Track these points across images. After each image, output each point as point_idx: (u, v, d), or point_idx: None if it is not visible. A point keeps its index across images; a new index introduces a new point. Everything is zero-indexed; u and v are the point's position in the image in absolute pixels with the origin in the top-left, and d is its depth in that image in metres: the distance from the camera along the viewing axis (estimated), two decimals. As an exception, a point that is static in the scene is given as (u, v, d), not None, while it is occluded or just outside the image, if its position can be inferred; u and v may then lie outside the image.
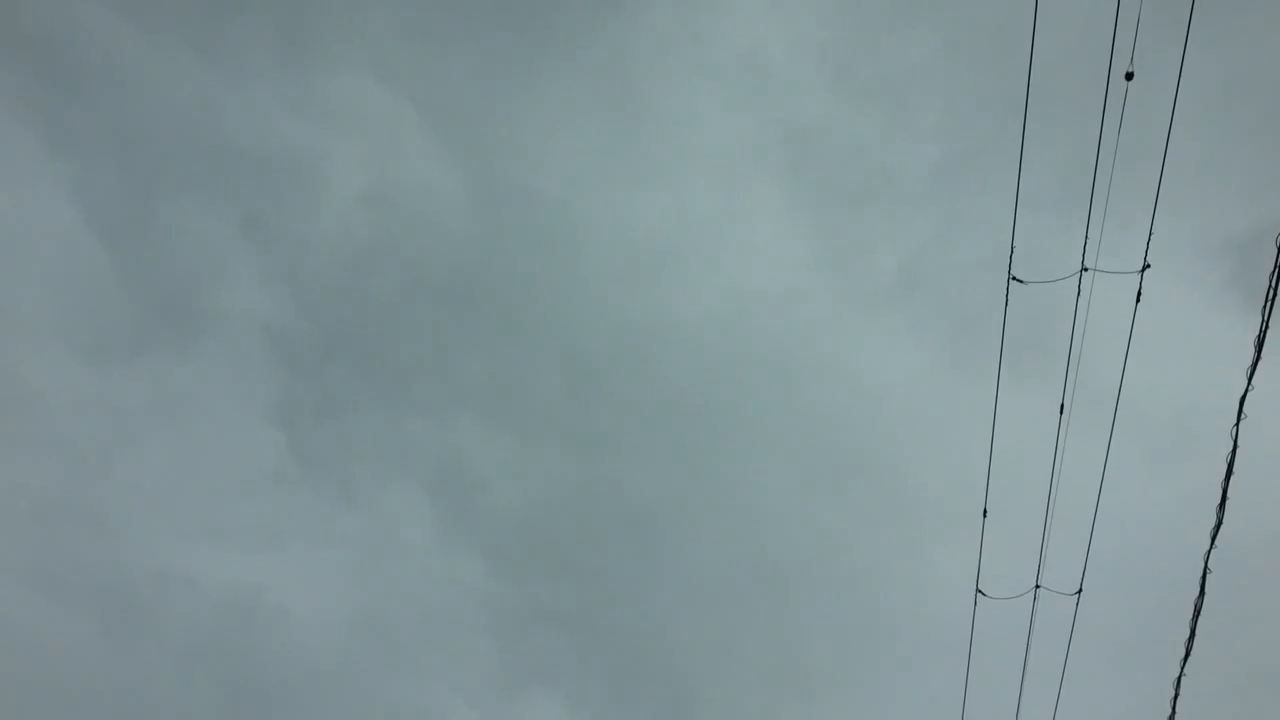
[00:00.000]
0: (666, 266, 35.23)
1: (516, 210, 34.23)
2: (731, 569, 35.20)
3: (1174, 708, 10.00)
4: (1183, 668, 9.90)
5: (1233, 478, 9.82)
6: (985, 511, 10.89)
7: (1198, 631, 10.10)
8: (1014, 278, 9.81)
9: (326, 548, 35.08)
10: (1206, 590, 10.08)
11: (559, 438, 36.28)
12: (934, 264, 32.34)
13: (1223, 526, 9.92)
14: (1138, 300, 9.61)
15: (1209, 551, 9.57)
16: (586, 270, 35.12)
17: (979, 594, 11.01)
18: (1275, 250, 8.97)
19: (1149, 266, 9.48)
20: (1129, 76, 9.01)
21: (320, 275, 34.35)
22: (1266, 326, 9.06)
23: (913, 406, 33.51)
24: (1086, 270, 9.70)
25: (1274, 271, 8.95)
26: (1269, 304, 9.01)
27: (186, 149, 32.63)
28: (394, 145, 33.89)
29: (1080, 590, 10.84)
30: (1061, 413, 10.26)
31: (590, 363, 35.59)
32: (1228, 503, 9.89)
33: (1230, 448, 9.45)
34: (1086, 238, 9.56)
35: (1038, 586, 10.86)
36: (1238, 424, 9.10)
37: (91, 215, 32.60)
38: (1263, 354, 9.32)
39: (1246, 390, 9.02)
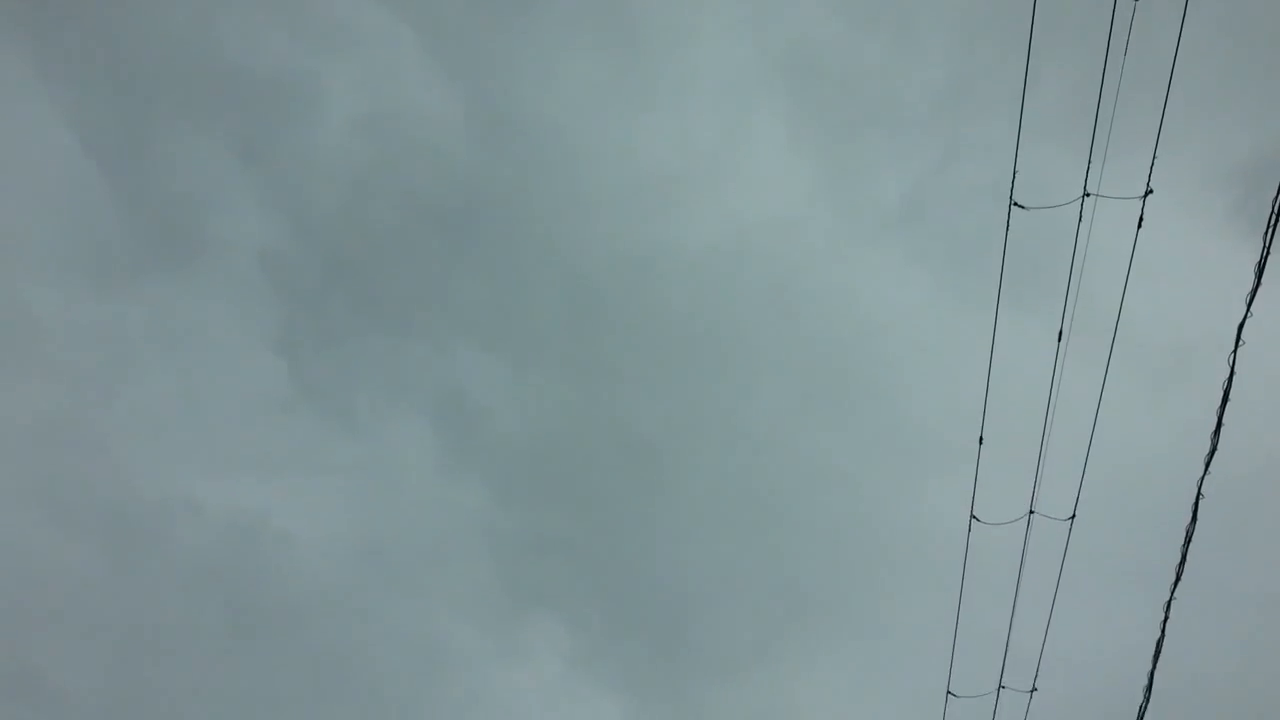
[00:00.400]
0: (667, 193, 34.99)
1: (516, 135, 33.90)
2: (730, 496, 35.52)
3: (1163, 630, 10.14)
4: (1173, 592, 10.02)
5: (1229, 405, 9.85)
6: (981, 439, 10.93)
7: (1189, 556, 10.20)
8: (1015, 203, 9.72)
9: (329, 474, 35.37)
10: (1199, 516, 10.17)
11: (560, 365, 36.37)
12: (936, 192, 32.11)
13: (1218, 453, 9.97)
14: (1139, 226, 9.54)
15: (1202, 477, 9.62)
16: (587, 197, 34.89)
17: (973, 519, 11.10)
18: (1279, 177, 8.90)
19: (1151, 192, 9.40)
20: (1136, -1, 8.85)
21: (318, 201, 34.14)
22: (1267, 253, 9.01)
23: (913, 335, 33.53)
24: (1088, 196, 9.61)
25: (1277, 197, 8.88)
26: (1270, 230, 8.95)
27: (183, 73, 32.22)
28: (391, 68, 33.45)
29: (1074, 516, 10.93)
30: (1060, 339, 10.25)
31: (591, 290, 35.53)
32: (1223, 429, 9.92)
33: (1227, 374, 9.45)
34: (1089, 163, 9.46)
35: (1031, 512, 10.94)
36: (1235, 350, 9.10)
37: (88, 140, 32.32)
38: (1263, 281, 9.29)
39: (1245, 317, 8.99)
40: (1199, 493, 9.76)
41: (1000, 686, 11.66)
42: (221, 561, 33.06)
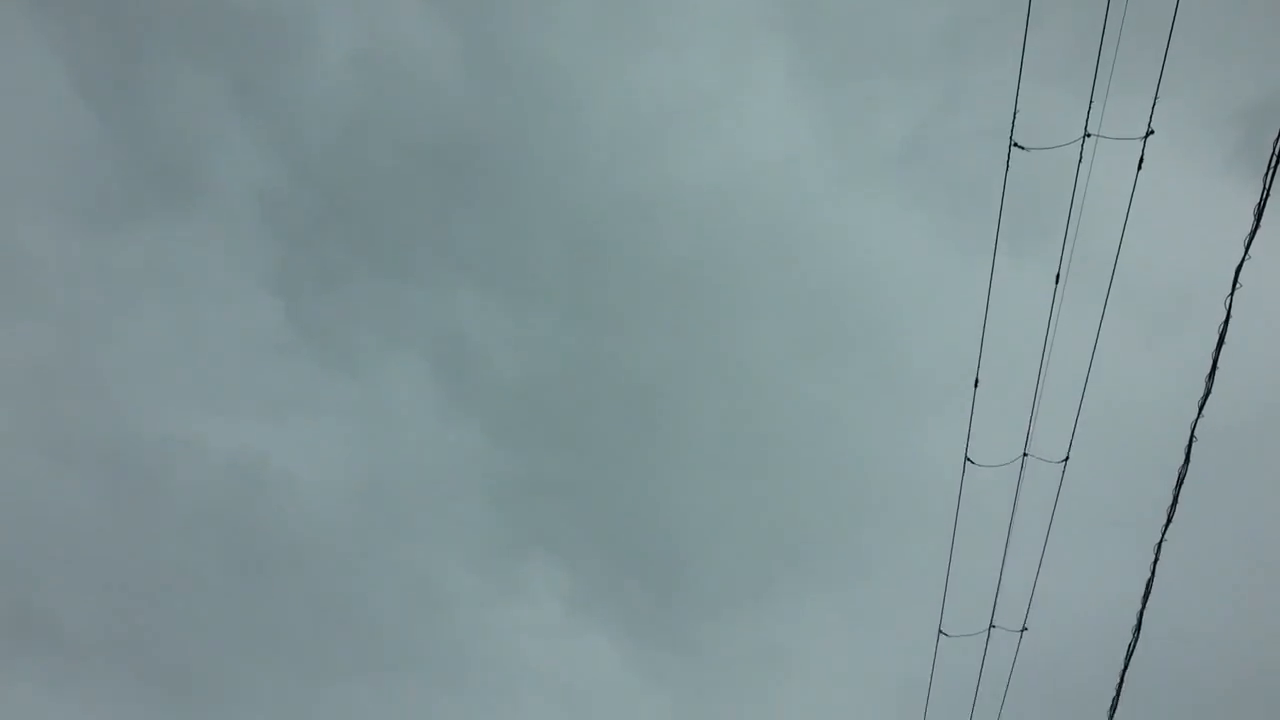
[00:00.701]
0: (666, 134, 34.69)
1: (514, 74, 33.52)
2: (727, 438, 35.67)
3: (1153, 571, 10.23)
4: (1164, 533, 10.08)
5: (1225, 348, 9.83)
6: (976, 381, 10.94)
7: (1181, 499, 10.25)
8: (1015, 144, 9.63)
9: (328, 416, 35.49)
10: (1192, 459, 10.20)
11: (558, 307, 36.32)
12: (938, 134, 31.82)
13: (1212, 396, 9.97)
14: (1139, 167, 9.45)
15: (1196, 420, 9.64)
16: (586, 137, 34.60)
17: (967, 461, 11.14)
18: (1282, 117, 8.80)
19: (1152, 133, 9.31)
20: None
21: (314, 141, 33.86)
22: (1267, 195, 8.94)
23: (912, 278, 33.45)
24: (1089, 136, 9.51)
25: (1278, 138, 8.79)
26: (1270, 172, 8.87)
27: (177, 11, 31.78)
28: (388, 6, 33.00)
29: (1067, 459, 10.97)
30: (1058, 282, 10.21)
31: (589, 231, 35.37)
32: (1219, 373, 9.91)
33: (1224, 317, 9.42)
34: (1090, 103, 9.35)
35: (1025, 455, 10.98)
36: (1232, 293, 9.06)
37: (82, 81, 31.96)
38: (1262, 224, 9.23)
39: (1243, 259, 8.94)
40: (1192, 435, 9.78)
41: (991, 626, 11.79)
42: (221, 501, 33.31)
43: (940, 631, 12.09)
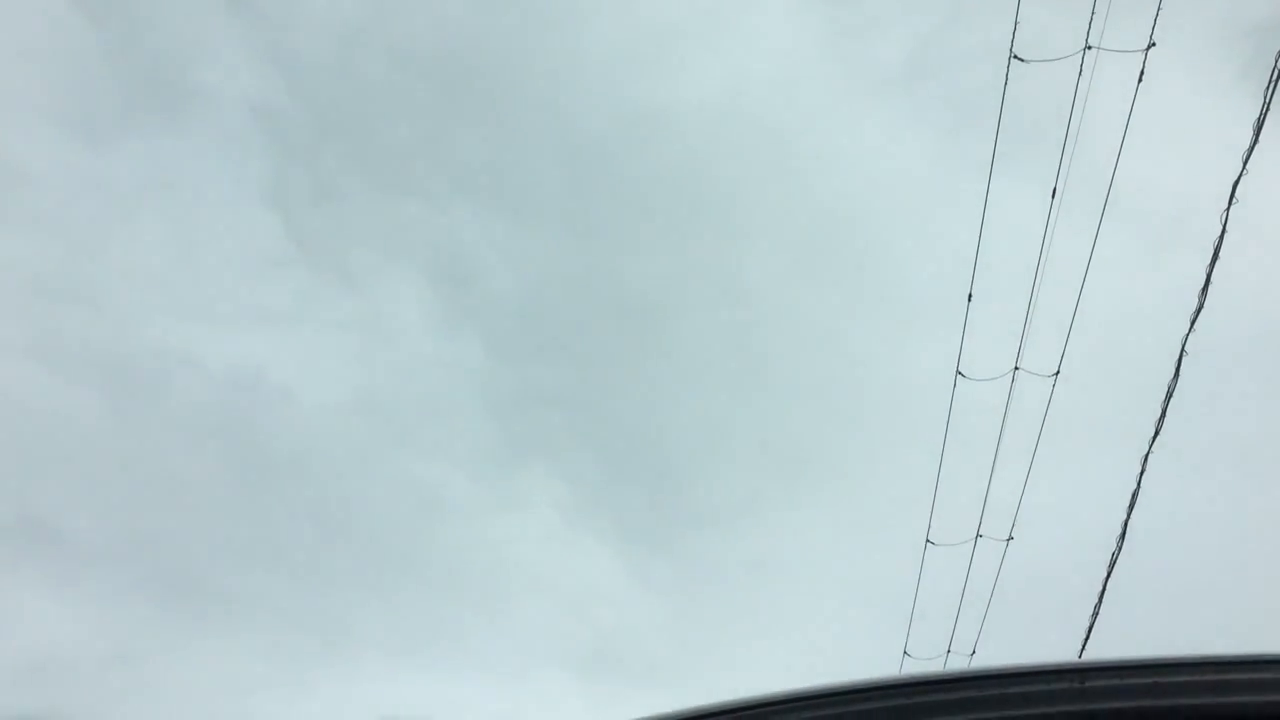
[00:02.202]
0: (668, 49, 34.20)
1: (511, -16, 32.91)
2: (722, 352, 35.86)
3: (1139, 483, 10.42)
4: (1151, 445, 10.25)
5: (1220, 263, 9.89)
6: (970, 295, 11.02)
7: (1169, 411, 10.39)
8: (1015, 56, 9.57)
9: (326, 329, 35.57)
10: (1182, 373, 10.32)
11: (555, 222, 36.19)
12: (941, 51, 31.36)
13: (1205, 311, 10.05)
14: (1139, 80, 9.41)
15: (1187, 334, 9.74)
16: (585, 51, 34.12)
17: (959, 375, 11.28)
18: (1285, 30, 8.73)
19: (1154, 45, 9.24)
20: None
21: (308, 53, 33.36)
22: (1267, 109, 8.92)
23: (910, 195, 33.30)
24: (1089, 49, 9.45)
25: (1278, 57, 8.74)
26: (1271, 88, 8.84)
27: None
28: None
29: (1058, 372, 11.10)
30: (1053, 196, 10.23)
31: (588, 146, 35.07)
32: (1212, 288, 9.99)
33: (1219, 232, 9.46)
34: (1092, 14, 9.27)
35: (1016, 368, 11.10)
36: (1228, 208, 9.09)
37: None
38: (1261, 139, 9.22)
39: (1240, 174, 8.95)
40: (1183, 349, 9.89)
41: (978, 535, 12.04)
42: (219, 412, 33.56)
43: (928, 540, 12.36)
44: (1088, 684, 2.12)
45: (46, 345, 31.82)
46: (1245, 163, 9.16)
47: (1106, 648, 11.97)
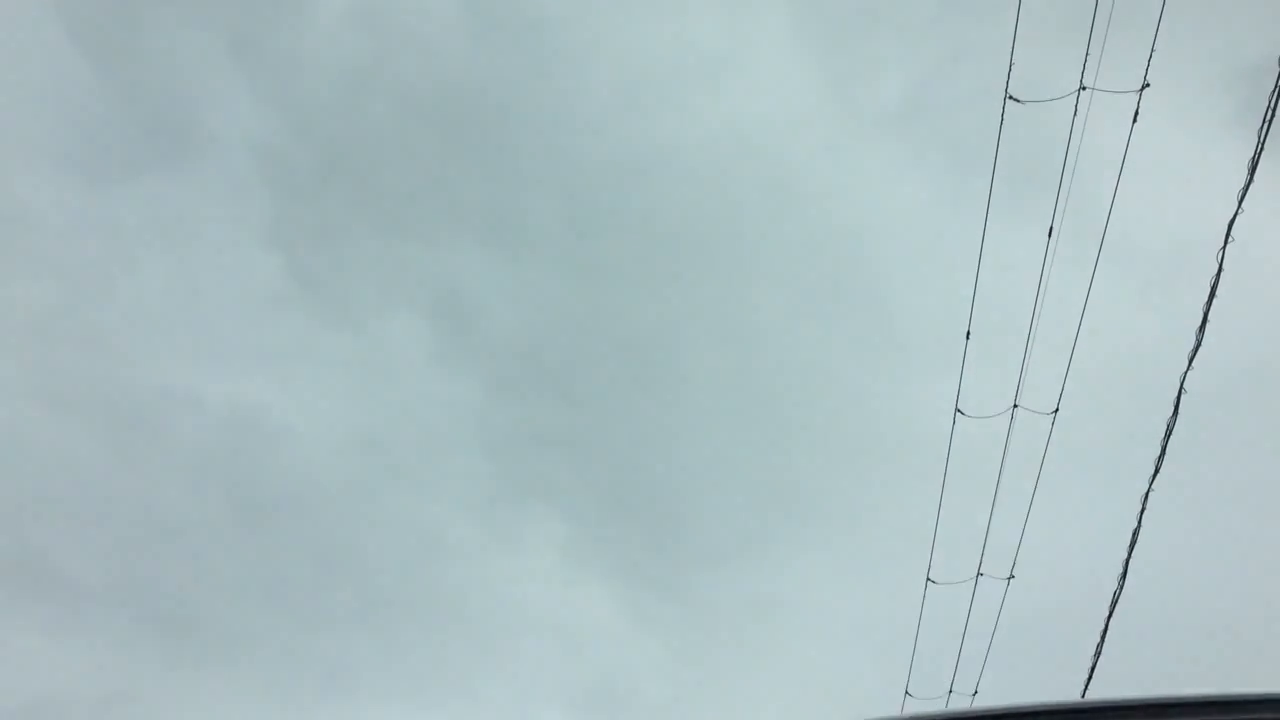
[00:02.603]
0: (667, 90, 34.52)
1: (515, 29, 33.27)
2: (725, 392, 35.87)
3: (1139, 521, 10.41)
4: (1151, 483, 10.25)
5: (1217, 301, 9.94)
6: (969, 333, 11.07)
7: (1169, 450, 10.41)
8: (1011, 96, 9.69)
9: (326, 369, 35.59)
10: (1181, 411, 10.35)
11: (556, 262, 36.32)
12: (939, 92, 31.68)
13: (1203, 349, 10.09)
14: (1134, 119, 9.52)
15: (1185, 372, 9.77)
16: (587, 93, 34.40)
17: (958, 413, 11.30)
18: (1277, 73, 8.85)
19: (1148, 85, 9.36)
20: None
21: (311, 96, 33.64)
22: (1261, 149, 9.02)
23: (909, 235, 33.46)
24: (1085, 89, 9.57)
25: (1274, 92, 8.85)
26: (1265, 126, 8.94)
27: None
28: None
29: (1057, 410, 11.12)
30: (1050, 235, 10.31)
31: (588, 188, 35.29)
32: (1210, 326, 10.03)
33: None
34: (1087, 55, 9.40)
35: (1015, 406, 11.13)
36: (1224, 247, 9.16)
37: (78, 33, 31.68)
38: (1255, 178, 9.30)
39: (1236, 213, 9.03)
40: (1181, 387, 9.92)
41: (979, 574, 12.00)
42: (220, 452, 33.51)
43: (928, 579, 12.32)
44: None
45: (49, 385, 31.87)
46: (1240, 202, 9.25)
47: (1109, 687, 11.90)
